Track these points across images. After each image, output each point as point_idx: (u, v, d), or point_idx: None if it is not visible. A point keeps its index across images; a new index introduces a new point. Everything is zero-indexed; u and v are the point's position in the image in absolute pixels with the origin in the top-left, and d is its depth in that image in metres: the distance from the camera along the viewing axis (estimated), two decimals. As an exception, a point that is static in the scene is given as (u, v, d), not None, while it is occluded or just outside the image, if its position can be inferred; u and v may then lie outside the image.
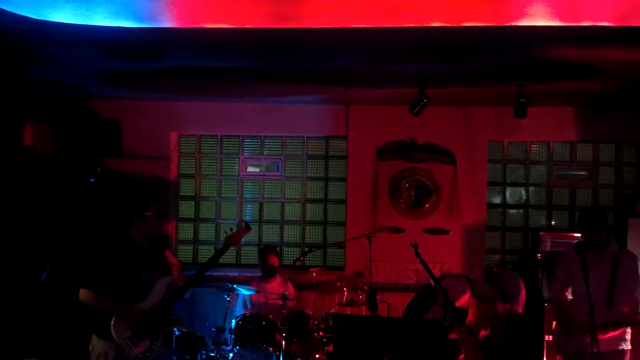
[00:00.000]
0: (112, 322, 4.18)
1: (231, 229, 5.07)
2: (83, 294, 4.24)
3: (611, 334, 4.50)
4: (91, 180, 6.76)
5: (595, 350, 4.14)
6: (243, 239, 5.09)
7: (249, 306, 6.54)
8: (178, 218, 7.96)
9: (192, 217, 7.97)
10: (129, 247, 4.36)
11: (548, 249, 6.65)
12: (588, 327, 4.30)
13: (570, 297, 4.86)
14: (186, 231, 7.98)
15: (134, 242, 4.39)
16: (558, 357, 5.02)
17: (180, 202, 7.98)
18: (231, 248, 4.95)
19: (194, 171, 7.99)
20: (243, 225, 5.00)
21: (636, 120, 7.24)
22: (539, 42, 4.63)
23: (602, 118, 7.32)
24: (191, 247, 7.92)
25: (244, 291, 6.25)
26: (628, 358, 4.64)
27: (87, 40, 4.77)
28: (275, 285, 6.66)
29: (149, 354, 4.25)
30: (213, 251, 7.83)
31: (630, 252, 4.91)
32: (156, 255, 4.51)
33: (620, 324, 4.53)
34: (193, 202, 7.99)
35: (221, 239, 7.81)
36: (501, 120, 7.23)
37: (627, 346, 4.62)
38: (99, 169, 6.83)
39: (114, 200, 6.72)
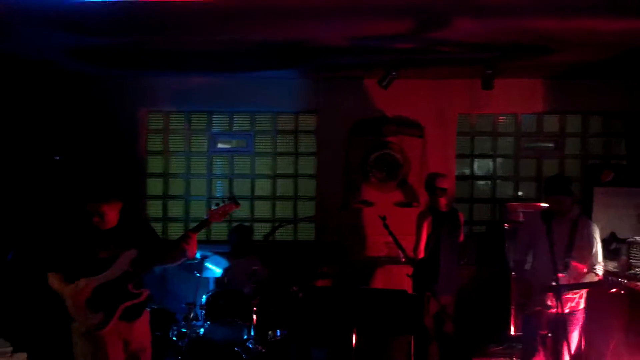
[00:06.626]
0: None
1: (217, 204, 4.38)
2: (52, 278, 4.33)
3: (571, 294, 4.84)
4: (56, 158, 6.67)
5: (560, 311, 4.48)
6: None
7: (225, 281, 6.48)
8: (147, 196, 7.87)
9: (161, 194, 7.89)
10: (85, 226, 4.37)
11: (521, 219, 6.75)
12: (549, 288, 4.62)
13: (530, 259, 5.18)
14: (155, 209, 7.90)
15: (90, 222, 4.37)
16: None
17: (148, 179, 7.88)
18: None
19: (162, 148, 7.89)
20: (231, 200, 4.35)
21: (602, 91, 7.33)
22: (509, 14, 4.64)
23: (569, 89, 7.40)
24: (160, 225, 7.84)
25: (214, 272, 6.22)
26: (583, 315, 4.99)
27: (50, 14, 4.68)
28: (246, 261, 6.65)
29: (101, 326, 4.22)
30: (183, 228, 7.75)
31: (587, 218, 5.26)
32: (126, 232, 4.45)
33: (581, 285, 4.85)
34: (161, 180, 7.90)
35: (192, 216, 7.83)
36: (471, 92, 7.24)
37: (582, 305, 4.98)
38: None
39: (80, 179, 6.63)
